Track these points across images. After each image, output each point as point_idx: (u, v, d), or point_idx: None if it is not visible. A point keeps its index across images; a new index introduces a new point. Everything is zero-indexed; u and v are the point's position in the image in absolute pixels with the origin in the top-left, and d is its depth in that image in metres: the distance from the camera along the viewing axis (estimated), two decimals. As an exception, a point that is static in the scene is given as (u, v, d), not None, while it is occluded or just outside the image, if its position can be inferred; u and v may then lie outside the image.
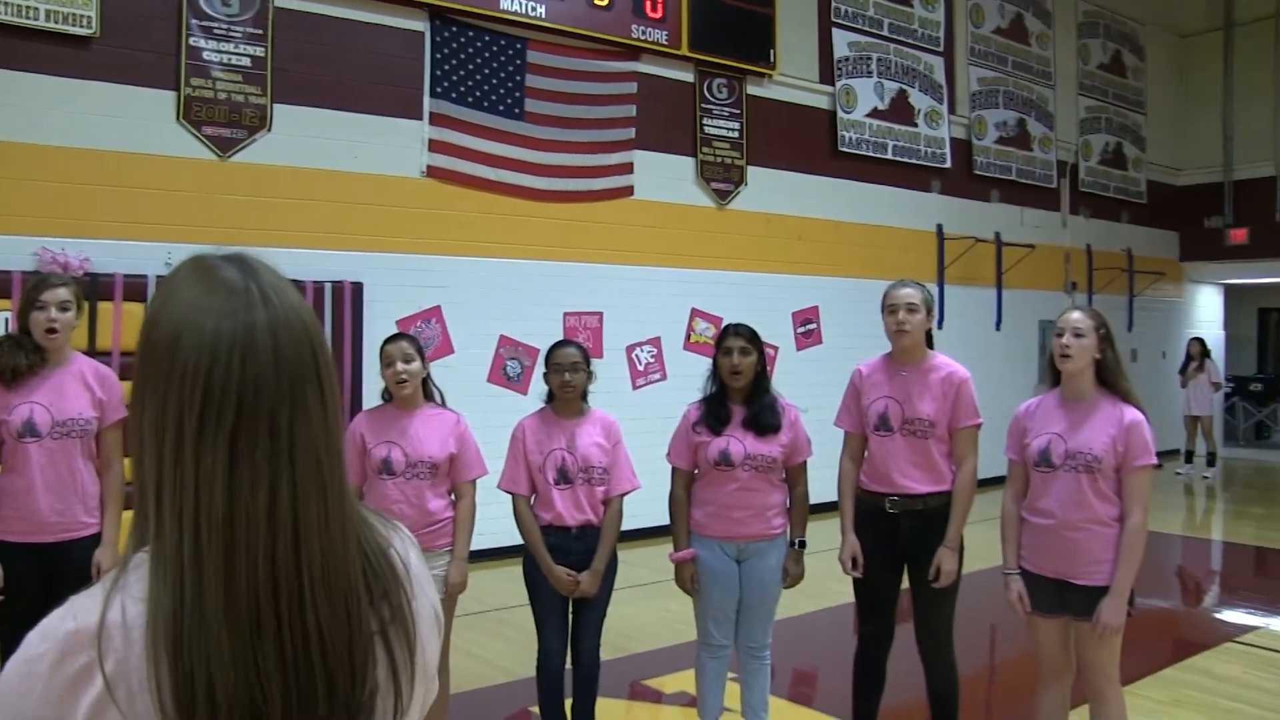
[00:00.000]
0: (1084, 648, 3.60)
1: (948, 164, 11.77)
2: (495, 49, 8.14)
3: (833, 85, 10.62)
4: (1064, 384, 3.65)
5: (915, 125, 11.43)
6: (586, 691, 4.09)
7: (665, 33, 9.04)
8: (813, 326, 10.20)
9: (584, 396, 4.09)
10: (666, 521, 4.18)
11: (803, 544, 4.13)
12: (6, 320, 5.21)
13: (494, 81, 8.14)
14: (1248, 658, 5.77)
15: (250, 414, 1.00)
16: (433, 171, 7.83)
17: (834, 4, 10.66)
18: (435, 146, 7.85)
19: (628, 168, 8.85)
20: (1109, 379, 3.60)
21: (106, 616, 0.96)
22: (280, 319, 1.04)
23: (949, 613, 3.97)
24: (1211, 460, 13.31)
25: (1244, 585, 8.21)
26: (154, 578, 0.98)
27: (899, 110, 11.26)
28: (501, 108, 8.17)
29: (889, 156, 11.11)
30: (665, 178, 9.15)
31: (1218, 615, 6.97)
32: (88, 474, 3.81)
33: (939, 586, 3.83)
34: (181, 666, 0.95)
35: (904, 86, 11.34)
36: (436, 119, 7.85)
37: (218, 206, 6.75)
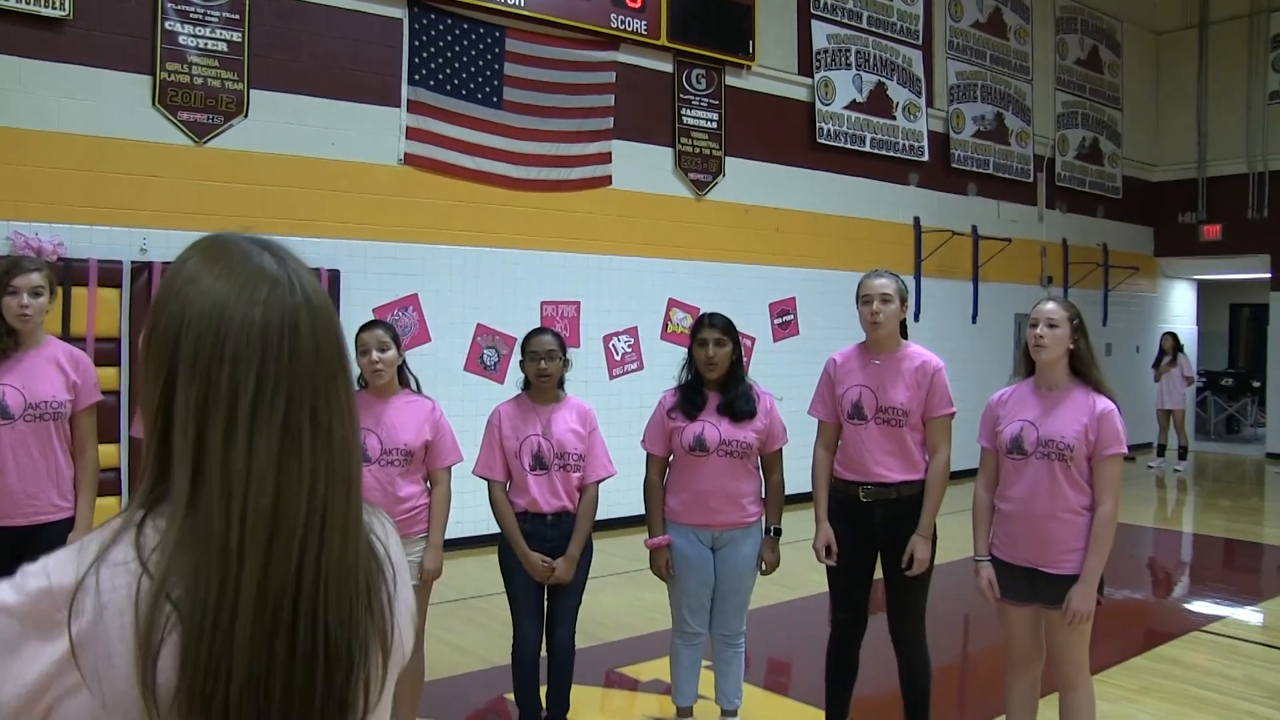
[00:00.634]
0: (1054, 635, 3.64)
1: (925, 157, 11.82)
2: (474, 37, 8.11)
3: (811, 77, 10.64)
4: (1038, 374, 3.69)
5: (893, 118, 11.47)
6: (562, 679, 4.10)
7: (644, 22, 9.03)
8: (790, 318, 10.23)
9: (560, 384, 4.09)
10: (643, 511, 4.20)
11: (778, 532, 4.16)
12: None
13: (472, 69, 8.11)
14: (1214, 646, 5.84)
15: (298, 403, 1.01)
16: (410, 159, 7.80)
17: (813, -4, 10.68)
18: (413, 134, 7.82)
19: (606, 157, 8.84)
20: (1082, 369, 3.64)
21: (84, 580, 0.95)
22: (317, 308, 1.05)
23: (921, 601, 4.00)
24: (1183, 454, 13.45)
25: (1212, 576, 8.32)
26: (186, 558, 0.96)
27: (877, 103, 11.30)
28: (480, 96, 8.15)
29: (867, 149, 11.15)
30: (643, 168, 9.15)
31: (1186, 605, 7.05)
32: (62, 457, 3.79)
33: (912, 574, 3.86)
34: (200, 654, 0.94)
35: (882, 79, 11.37)
36: (414, 106, 7.82)
37: (194, 193, 6.70)
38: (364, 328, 3.88)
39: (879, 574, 4.03)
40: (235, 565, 0.97)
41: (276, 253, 1.08)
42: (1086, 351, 3.64)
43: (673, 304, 9.19)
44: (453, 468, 4.01)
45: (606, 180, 8.86)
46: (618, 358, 8.93)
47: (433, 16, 7.89)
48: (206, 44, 6.75)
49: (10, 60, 6.13)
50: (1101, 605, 3.58)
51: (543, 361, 3.97)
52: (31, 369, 3.72)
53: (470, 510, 6.91)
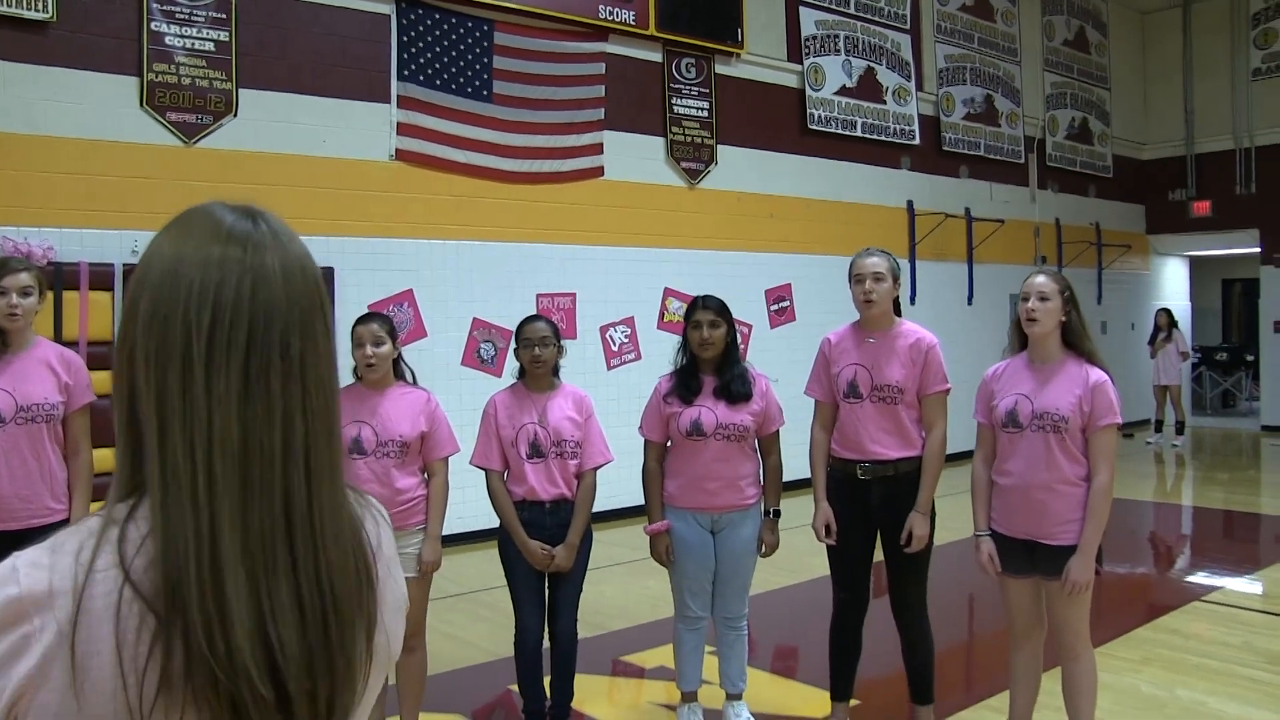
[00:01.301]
0: (1054, 607, 3.65)
1: (917, 141, 11.82)
2: (462, 31, 8.10)
3: (801, 63, 10.63)
4: (1031, 347, 3.70)
5: (884, 102, 11.46)
6: (565, 668, 4.11)
7: (632, 13, 9.02)
8: (786, 304, 10.24)
9: (555, 371, 4.10)
10: (643, 501, 4.20)
11: (777, 513, 4.17)
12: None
13: (461, 64, 8.10)
14: (1214, 615, 5.88)
15: (263, 339, 0.97)
16: (402, 155, 7.79)
17: (800, -18, 10.67)
18: (404, 130, 7.81)
19: (597, 148, 8.84)
20: (1074, 341, 3.65)
21: (59, 585, 0.89)
22: (290, 256, 1.03)
23: (922, 578, 4.02)
24: (1180, 429, 13.48)
25: (1211, 547, 8.36)
26: (161, 521, 0.92)
27: (867, 88, 11.30)
28: (470, 90, 8.14)
29: (858, 134, 11.15)
30: (635, 158, 9.14)
31: (1186, 576, 7.08)
32: (55, 460, 3.76)
33: (911, 551, 3.87)
34: (200, 614, 0.89)
35: (872, 64, 11.37)
36: (404, 102, 7.81)
37: (184, 193, 6.68)
38: (359, 321, 3.88)
39: (880, 555, 4.04)
40: (208, 513, 0.92)
41: (253, 212, 1.05)
42: (1078, 323, 3.65)
43: (669, 293, 9.19)
44: (450, 459, 4.00)
45: (599, 171, 8.86)
46: (615, 348, 8.94)
47: (420, 11, 7.88)
48: (193, 44, 6.74)
49: (-4, 65, 6.12)
50: (1100, 576, 3.59)
51: (536, 348, 3.98)
52: (22, 371, 3.70)
53: (471, 505, 6.91)
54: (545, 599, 4.07)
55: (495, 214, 8.23)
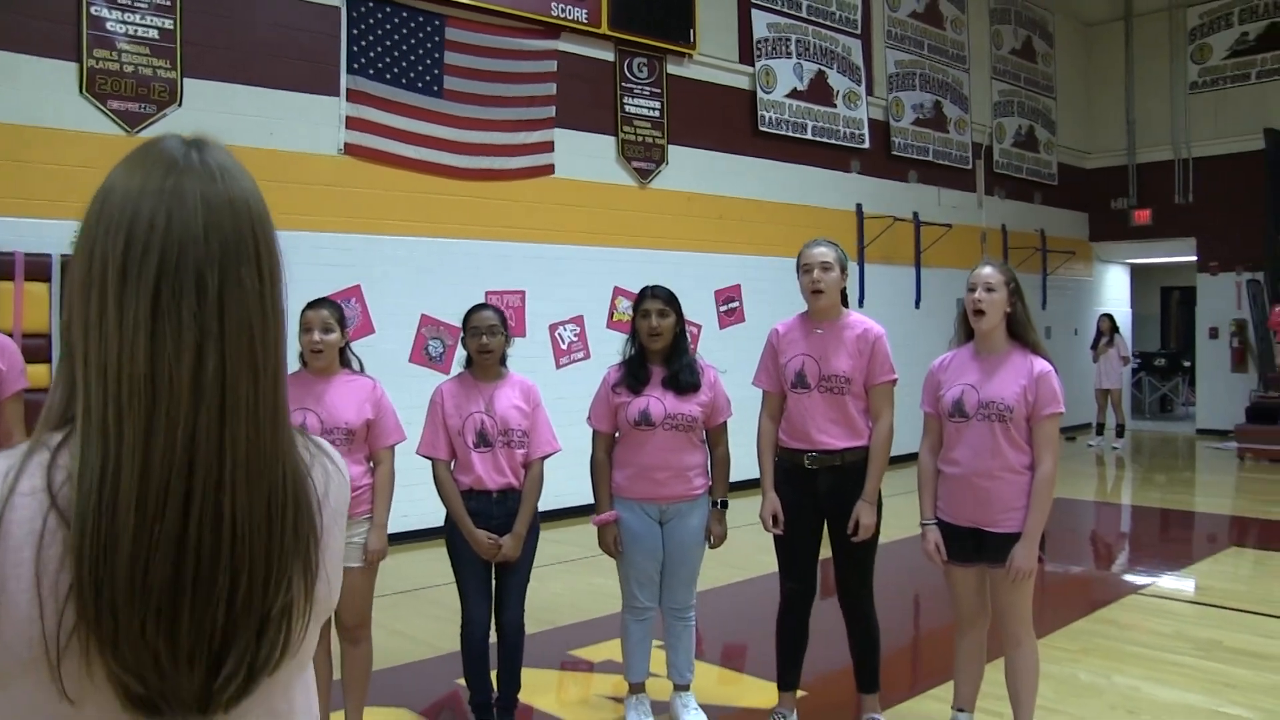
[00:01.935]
0: (999, 594, 3.70)
1: (866, 145, 11.95)
2: (413, 25, 8.05)
3: (752, 66, 10.70)
4: (977, 338, 3.74)
5: (834, 106, 11.57)
6: (512, 658, 4.07)
7: (585, 11, 9.02)
8: (735, 305, 10.29)
9: (503, 361, 4.07)
10: (591, 500, 4.18)
11: (725, 504, 4.17)
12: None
13: (412, 58, 8.05)
14: (1148, 608, 6.03)
15: (174, 269, 0.96)
16: (350, 149, 7.71)
17: (752, -15, 10.75)
18: (353, 124, 7.74)
19: (548, 146, 8.82)
20: (1019, 332, 3.70)
21: None
22: (219, 191, 1.01)
23: (868, 567, 4.04)
24: (1121, 432, 13.74)
25: (1148, 543, 8.56)
26: (80, 449, 0.93)
27: (818, 91, 11.40)
28: (420, 85, 8.09)
29: (809, 137, 11.24)
30: (586, 156, 9.14)
31: (1124, 571, 7.22)
32: (-12, 446, 3.66)
33: (858, 540, 3.90)
34: (93, 549, 0.90)
35: (823, 68, 11.47)
36: (354, 96, 7.74)
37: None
38: (310, 306, 3.81)
39: (826, 553, 4.06)
40: (115, 442, 0.92)
41: (198, 143, 1.04)
42: (1023, 314, 3.70)
43: (618, 292, 9.19)
44: (397, 450, 3.96)
45: (549, 169, 8.84)
46: (564, 347, 8.92)
47: (371, 4, 7.82)
48: (136, 30, 6.62)
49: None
50: (1043, 563, 3.65)
51: (484, 337, 3.95)
52: (-47, 358, 3.60)
53: (418, 503, 6.84)
54: (492, 590, 4.04)
55: (445, 210, 8.18)
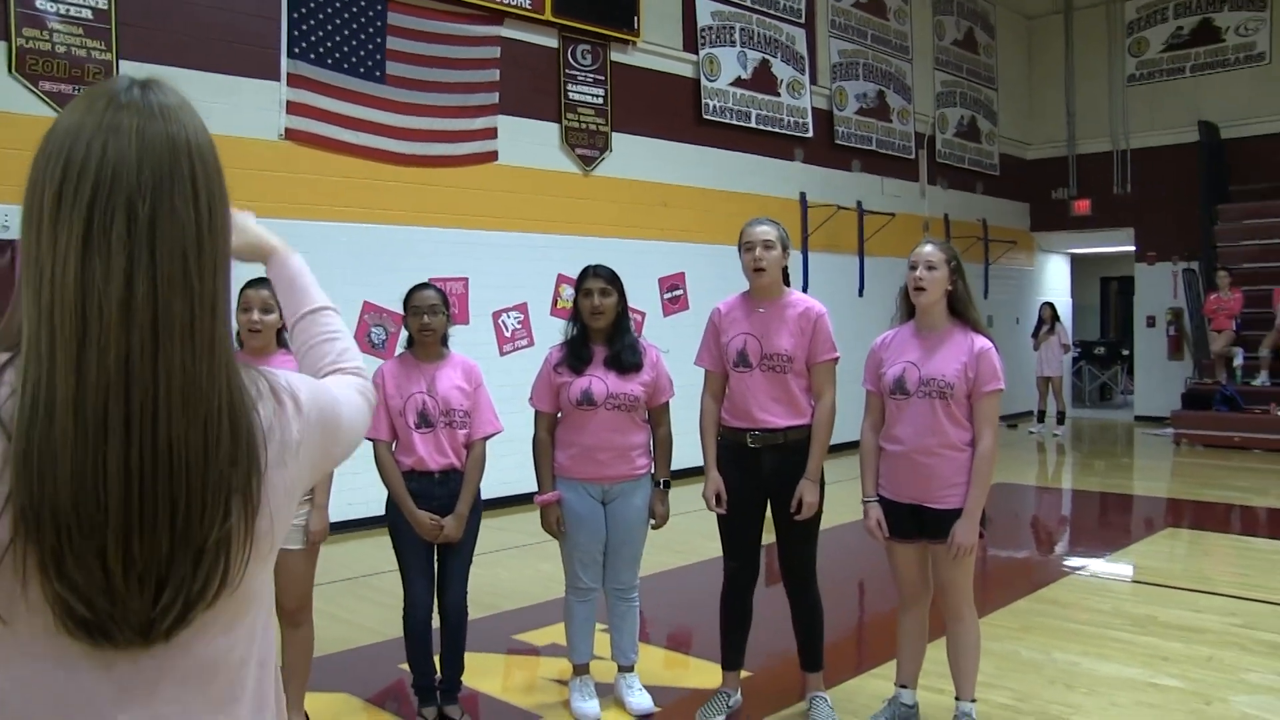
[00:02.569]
0: (940, 570, 3.73)
1: (810, 134, 12.01)
2: (355, 9, 7.93)
3: (696, 54, 10.70)
4: (918, 316, 3.77)
5: (778, 95, 11.61)
6: (455, 640, 4.04)
7: (528, -4, 8.95)
8: (679, 293, 10.29)
9: (444, 341, 4.03)
10: (535, 487, 4.15)
11: (667, 484, 4.17)
12: None
13: (354, 43, 7.93)
14: (1088, 586, 6.15)
15: (106, 194, 0.99)
16: (291, 134, 7.59)
17: (696, -27, 10.73)
18: (293, 109, 7.61)
19: (491, 133, 8.75)
20: (960, 309, 3.73)
21: None
22: (156, 127, 1.04)
23: (812, 545, 4.05)
24: (1061, 419, 13.98)
25: (1088, 526, 8.70)
26: (21, 369, 0.97)
27: (762, 80, 11.42)
28: (362, 70, 7.97)
29: (753, 125, 11.27)
30: (529, 143, 9.08)
31: (1065, 552, 7.33)
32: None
33: (801, 519, 3.90)
34: (28, 465, 0.93)
35: (766, 56, 11.51)
36: (294, 80, 7.61)
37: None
38: (250, 284, 3.72)
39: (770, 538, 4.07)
40: (48, 362, 0.95)
41: (146, 84, 1.08)
42: (964, 292, 3.73)
43: (562, 280, 9.14)
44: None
45: (493, 156, 8.77)
46: (508, 334, 8.87)
47: (309, -13, 7.69)
48: (68, 10, 6.44)
49: None
50: (984, 539, 3.68)
51: (425, 316, 3.90)
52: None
53: (361, 491, 6.76)
54: (434, 572, 4.00)
55: (387, 196, 8.08)
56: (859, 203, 12.62)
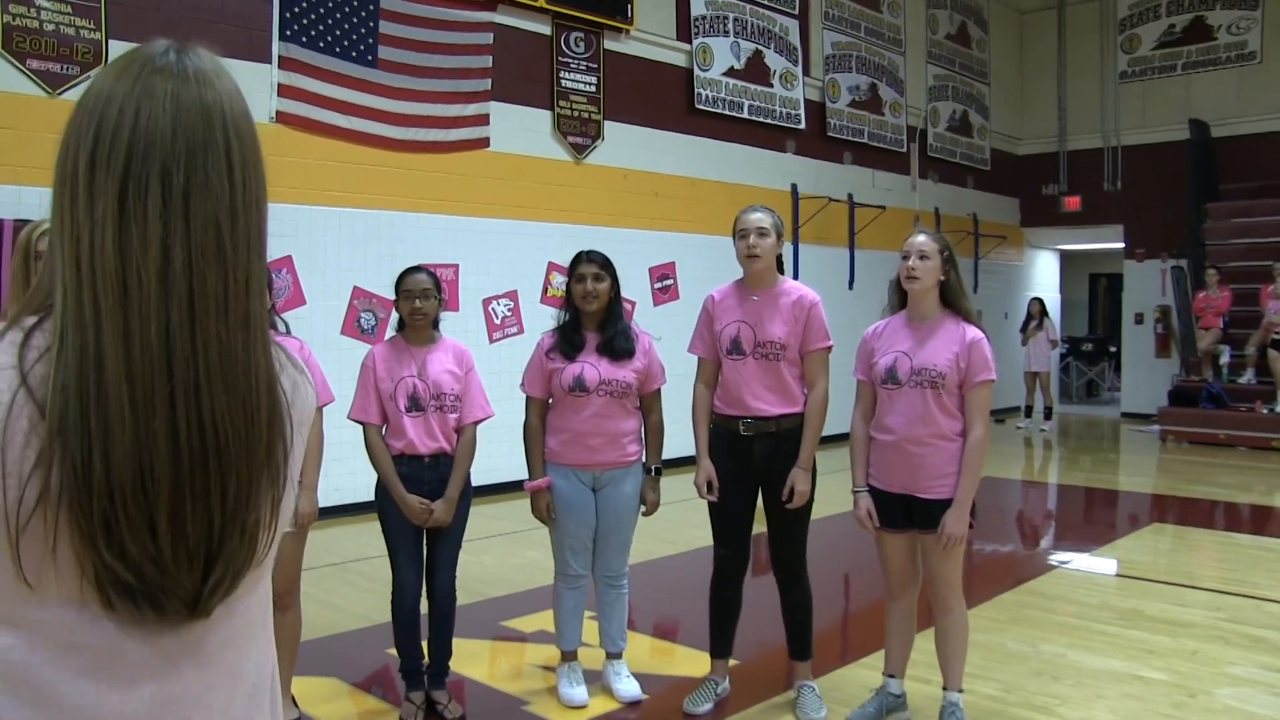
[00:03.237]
0: (929, 560, 3.73)
1: (802, 125, 11.99)
2: (346, -7, 7.88)
3: (689, 43, 10.67)
4: (910, 305, 3.76)
5: (771, 86, 11.59)
6: (443, 626, 4.03)
7: (522, -17, 8.90)
8: (670, 282, 10.28)
9: (436, 325, 4.01)
10: (525, 474, 4.14)
11: (659, 471, 4.16)
12: None
13: (347, 27, 7.88)
14: (1074, 579, 6.18)
15: (140, 163, 0.97)
16: (282, 117, 7.54)
17: (691, -38, 10.70)
18: (285, 91, 7.56)
19: (483, 119, 8.71)
20: (952, 299, 3.73)
21: None
22: (191, 93, 1.02)
23: (802, 534, 4.05)
24: (1049, 414, 14.03)
25: (1075, 520, 8.75)
26: (58, 337, 0.94)
27: (755, 70, 11.40)
28: (355, 54, 7.92)
29: (745, 116, 11.25)
30: (521, 130, 9.04)
31: (1052, 546, 7.37)
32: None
33: (792, 507, 3.90)
34: (78, 432, 0.91)
35: (760, 47, 11.48)
36: (286, 63, 7.56)
37: (47, 146, 6.28)
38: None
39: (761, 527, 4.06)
40: (94, 330, 0.93)
41: (183, 47, 1.06)
42: (956, 282, 3.73)
43: (552, 267, 9.12)
44: (327, 417, 3.87)
45: (484, 142, 8.74)
46: (497, 321, 8.84)
47: (302, -31, 7.63)
48: (57, -13, 6.39)
49: None
50: (973, 529, 3.69)
51: (417, 300, 3.88)
52: None
53: (349, 478, 6.75)
54: (423, 556, 3.98)
55: (378, 181, 8.04)
56: (850, 195, 12.62)
